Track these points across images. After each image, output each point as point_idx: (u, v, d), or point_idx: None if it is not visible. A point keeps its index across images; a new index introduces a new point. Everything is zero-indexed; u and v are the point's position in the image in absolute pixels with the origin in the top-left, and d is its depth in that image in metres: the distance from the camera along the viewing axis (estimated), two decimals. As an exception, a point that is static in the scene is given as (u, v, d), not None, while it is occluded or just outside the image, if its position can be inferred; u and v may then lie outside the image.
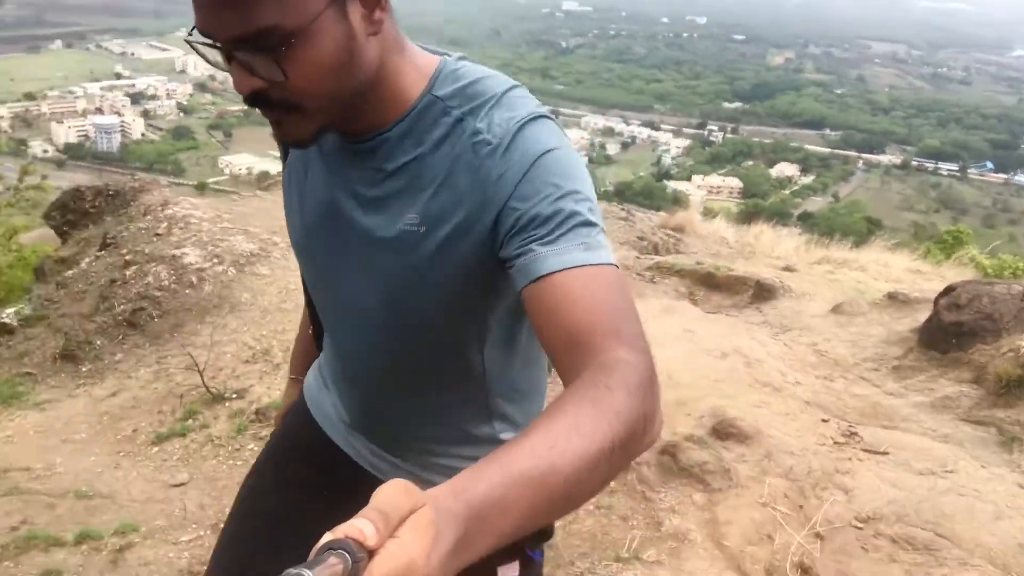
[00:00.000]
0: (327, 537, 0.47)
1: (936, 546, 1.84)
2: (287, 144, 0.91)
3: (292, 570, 0.43)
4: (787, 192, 68.34)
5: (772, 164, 75.47)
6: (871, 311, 3.87)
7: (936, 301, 3.31)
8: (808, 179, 73.42)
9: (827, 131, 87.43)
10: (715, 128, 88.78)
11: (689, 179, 68.17)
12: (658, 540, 1.88)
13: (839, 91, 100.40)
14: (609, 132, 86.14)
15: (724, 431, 2.33)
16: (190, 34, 0.80)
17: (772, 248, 7.63)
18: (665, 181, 66.07)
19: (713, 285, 4.60)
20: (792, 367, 3.22)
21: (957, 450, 2.50)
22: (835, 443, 2.48)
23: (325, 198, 0.99)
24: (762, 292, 4.28)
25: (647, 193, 57.77)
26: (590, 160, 74.92)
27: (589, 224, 0.81)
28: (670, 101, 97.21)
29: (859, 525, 1.94)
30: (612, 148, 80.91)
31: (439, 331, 0.99)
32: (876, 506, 2.01)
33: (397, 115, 0.90)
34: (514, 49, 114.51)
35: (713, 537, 1.87)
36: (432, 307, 0.95)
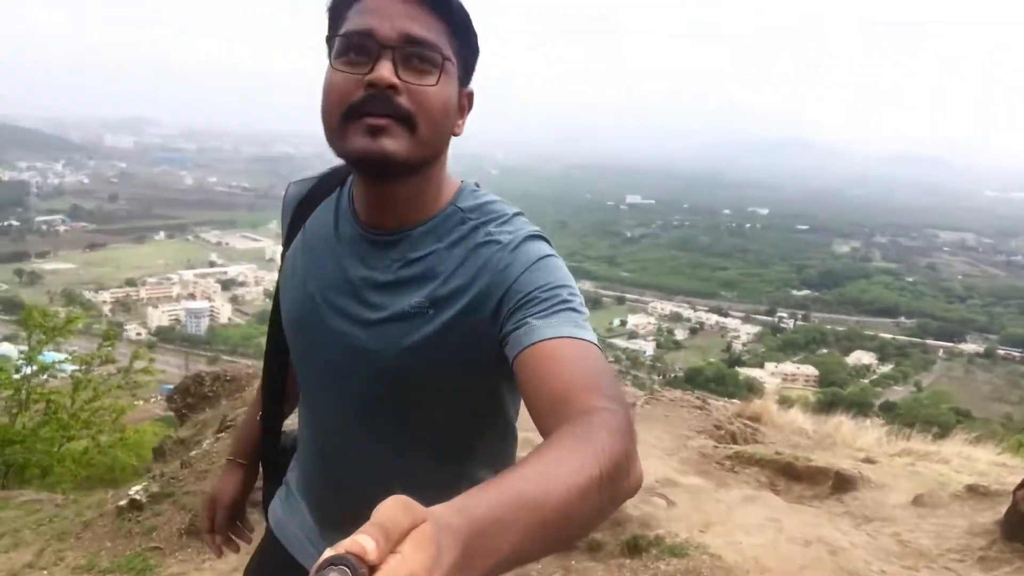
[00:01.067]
0: (328, 553, 0.46)
1: None
2: (375, 158, 0.96)
3: None
4: (866, 381, 66.32)
5: (847, 352, 74.03)
6: (952, 503, 3.97)
7: (1015, 493, 3.44)
8: (887, 368, 71.41)
9: (902, 319, 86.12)
10: (785, 315, 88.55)
11: (762, 366, 67.10)
12: None
13: (910, 279, 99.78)
14: (676, 317, 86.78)
15: (813, 613, 2.51)
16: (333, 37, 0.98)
17: (853, 439, 7.57)
18: (737, 368, 65.24)
19: (794, 475, 4.75)
20: (877, 556, 3.34)
21: (1047, 643, 2.58)
22: (923, 631, 2.60)
23: (336, 275, 1.09)
24: (842, 483, 4.42)
25: (719, 379, 56.83)
26: (658, 345, 75.09)
27: (579, 312, 0.95)
28: (737, 288, 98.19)
29: None
30: (680, 333, 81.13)
31: (433, 407, 1.08)
32: None
33: (423, 218, 1.06)
34: (581, 239, 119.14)
35: None
36: (429, 387, 1.05)
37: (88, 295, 74.84)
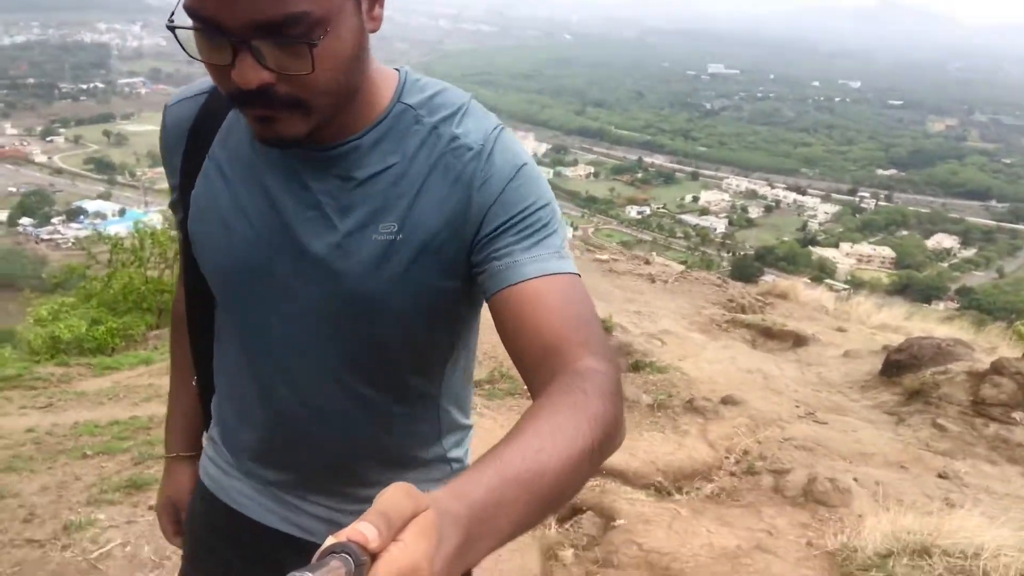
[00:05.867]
0: (330, 540, 0.46)
1: (816, 449, 3.83)
2: (275, 144, 0.85)
3: (295, 573, 0.43)
4: (945, 265, 65.50)
5: (929, 235, 72.76)
6: (869, 356, 5.74)
7: (890, 350, 5.21)
8: (969, 252, 70.11)
9: (993, 202, 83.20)
10: (867, 195, 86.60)
11: (837, 246, 66.95)
12: (675, 431, 3.98)
13: (1008, 161, 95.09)
14: (752, 195, 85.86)
15: (726, 400, 4.39)
16: (172, 20, 0.75)
17: (868, 317, 8.71)
18: (811, 247, 65.31)
19: (770, 335, 6.57)
20: (797, 383, 5.19)
21: (870, 425, 4.43)
22: (797, 417, 4.48)
23: (277, 211, 0.92)
24: (800, 341, 6.23)
25: (790, 258, 57.18)
26: (730, 223, 75.25)
27: (560, 234, 0.89)
28: (819, 166, 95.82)
29: (782, 441, 3.95)
30: (754, 211, 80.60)
31: (408, 344, 0.98)
32: (797, 436, 4.01)
33: (368, 122, 0.90)
34: (656, 111, 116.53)
35: (702, 434, 3.94)
36: (407, 318, 0.94)
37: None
